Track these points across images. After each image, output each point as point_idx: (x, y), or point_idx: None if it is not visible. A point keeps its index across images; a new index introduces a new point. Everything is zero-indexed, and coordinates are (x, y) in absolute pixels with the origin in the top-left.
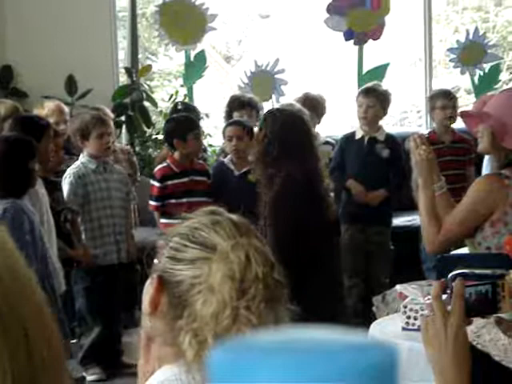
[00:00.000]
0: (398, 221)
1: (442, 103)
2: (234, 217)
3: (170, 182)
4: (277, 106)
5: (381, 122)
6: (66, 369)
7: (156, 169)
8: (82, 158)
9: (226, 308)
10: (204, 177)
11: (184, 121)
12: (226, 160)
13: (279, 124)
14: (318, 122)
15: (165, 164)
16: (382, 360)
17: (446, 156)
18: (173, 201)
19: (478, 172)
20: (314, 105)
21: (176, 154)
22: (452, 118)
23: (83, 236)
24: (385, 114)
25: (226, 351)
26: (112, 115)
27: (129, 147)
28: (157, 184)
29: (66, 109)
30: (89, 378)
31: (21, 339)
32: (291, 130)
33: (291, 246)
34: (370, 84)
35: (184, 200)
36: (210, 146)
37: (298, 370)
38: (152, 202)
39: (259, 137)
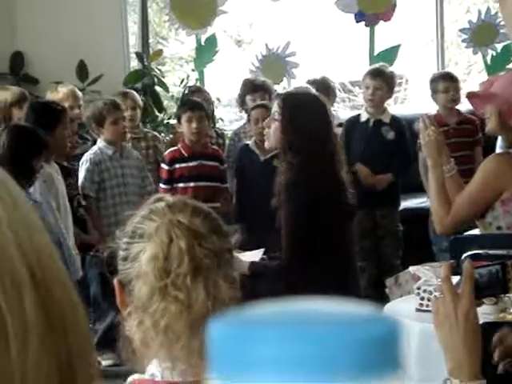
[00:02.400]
0: (408, 203)
1: (444, 86)
2: (172, 198)
3: (178, 166)
4: (290, 88)
5: (386, 104)
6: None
7: (166, 152)
8: (99, 143)
9: (154, 289)
10: (216, 162)
11: (180, 104)
12: (250, 143)
13: (299, 107)
14: (331, 105)
15: (176, 147)
16: (385, 332)
17: (451, 138)
18: (180, 184)
19: (486, 153)
20: (321, 88)
21: (186, 138)
22: (455, 101)
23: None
24: (391, 96)
25: (226, 325)
26: (140, 101)
27: (155, 133)
28: (165, 167)
29: (80, 93)
30: (104, 362)
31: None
32: (312, 113)
33: (305, 225)
34: (376, 65)
35: (191, 184)
36: (223, 130)
37: (300, 342)
38: (161, 185)
39: (278, 120)
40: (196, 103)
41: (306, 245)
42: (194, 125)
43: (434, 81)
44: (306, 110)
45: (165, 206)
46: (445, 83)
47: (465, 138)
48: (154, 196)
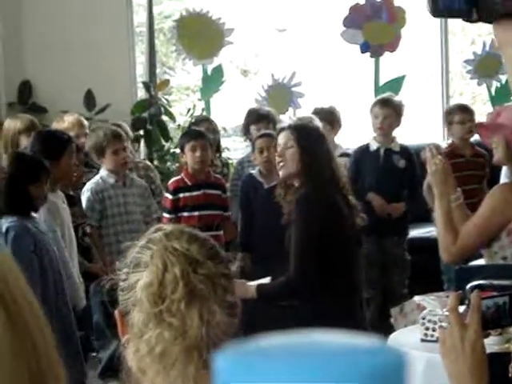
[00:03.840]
0: (416, 232)
1: (461, 118)
2: (170, 227)
3: (182, 195)
4: (295, 119)
5: (394, 133)
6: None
7: (170, 181)
8: (102, 172)
9: (149, 315)
10: (219, 191)
11: (184, 134)
12: (254, 172)
13: (313, 138)
14: (335, 134)
15: (179, 176)
16: (390, 362)
17: (464, 170)
18: (185, 214)
19: (490, 185)
20: (328, 117)
21: (189, 167)
22: (471, 132)
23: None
24: (399, 124)
25: (231, 356)
26: (130, 133)
27: (146, 162)
28: (170, 196)
29: (86, 122)
30: None
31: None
32: (322, 143)
33: (312, 252)
34: (384, 95)
35: (196, 213)
36: (229, 159)
37: (305, 375)
38: (165, 215)
39: (291, 151)
40: (199, 132)
41: (313, 259)
42: (197, 153)
43: (450, 113)
44: (317, 139)
45: (162, 235)
46: (461, 115)
47: (476, 171)
48: (153, 226)
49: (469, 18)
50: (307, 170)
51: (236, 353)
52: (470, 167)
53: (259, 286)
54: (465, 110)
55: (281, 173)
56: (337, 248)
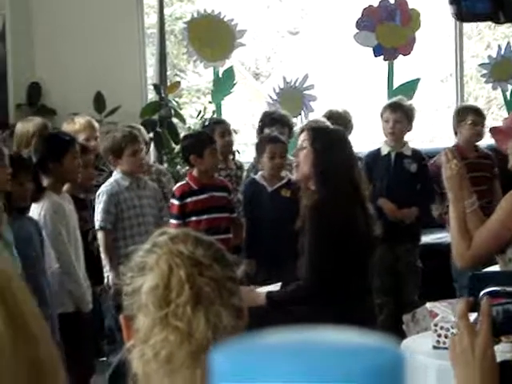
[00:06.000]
0: (429, 238)
1: (473, 119)
2: (174, 231)
3: (189, 200)
4: (312, 121)
5: (407, 137)
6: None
7: (175, 187)
8: (116, 174)
9: (155, 319)
10: (224, 192)
11: (201, 136)
12: (257, 177)
13: (330, 141)
14: None
15: (184, 182)
16: (389, 362)
17: (470, 172)
18: (193, 218)
19: (504, 187)
20: (338, 120)
21: (194, 171)
22: (480, 135)
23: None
24: (410, 129)
25: (230, 354)
26: (146, 136)
27: (159, 166)
28: (176, 202)
29: (97, 125)
30: None
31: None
32: (342, 148)
33: (326, 260)
34: (394, 99)
35: (204, 217)
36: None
37: (305, 371)
38: (173, 221)
39: (304, 152)
40: (212, 137)
41: (327, 268)
42: (215, 157)
43: (463, 112)
44: (336, 143)
45: (167, 238)
46: (473, 117)
47: (482, 173)
48: (158, 230)
49: (496, 20)
50: (321, 174)
51: (235, 351)
52: (476, 169)
53: (269, 294)
54: (478, 113)
55: (295, 175)
56: (349, 258)
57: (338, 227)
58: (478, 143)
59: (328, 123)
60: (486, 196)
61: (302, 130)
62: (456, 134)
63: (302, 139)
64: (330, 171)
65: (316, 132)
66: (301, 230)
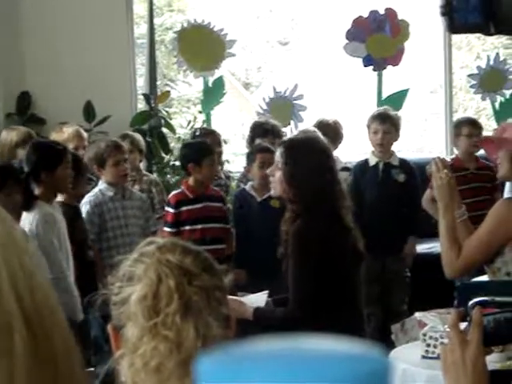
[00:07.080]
0: (418, 248)
1: (468, 131)
2: (162, 240)
3: (184, 208)
4: (294, 133)
5: (395, 147)
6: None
7: (170, 195)
8: (101, 184)
9: (144, 329)
10: (219, 203)
11: (201, 145)
12: (247, 187)
13: (301, 155)
14: (335, 148)
15: (179, 190)
16: (376, 369)
17: (470, 183)
18: (187, 227)
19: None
20: (327, 130)
21: (190, 180)
22: (477, 146)
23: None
24: (397, 138)
25: (216, 361)
26: (142, 143)
27: (151, 177)
28: (171, 210)
29: (85, 134)
30: None
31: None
32: (314, 160)
33: (312, 279)
34: (381, 110)
35: (199, 226)
36: (230, 172)
37: (289, 380)
38: (166, 229)
39: (282, 170)
40: (212, 147)
41: (312, 297)
42: (213, 167)
43: (459, 125)
44: (308, 158)
45: (155, 248)
46: (469, 128)
47: (484, 183)
48: (145, 240)
49: (486, 32)
50: (298, 196)
51: (220, 357)
52: (477, 180)
53: (256, 310)
54: (473, 124)
55: (272, 192)
56: (335, 277)
57: (320, 254)
58: (478, 154)
59: (318, 133)
60: (487, 206)
61: (278, 145)
62: (456, 146)
63: (278, 157)
64: (303, 193)
65: (286, 148)
66: (283, 255)
